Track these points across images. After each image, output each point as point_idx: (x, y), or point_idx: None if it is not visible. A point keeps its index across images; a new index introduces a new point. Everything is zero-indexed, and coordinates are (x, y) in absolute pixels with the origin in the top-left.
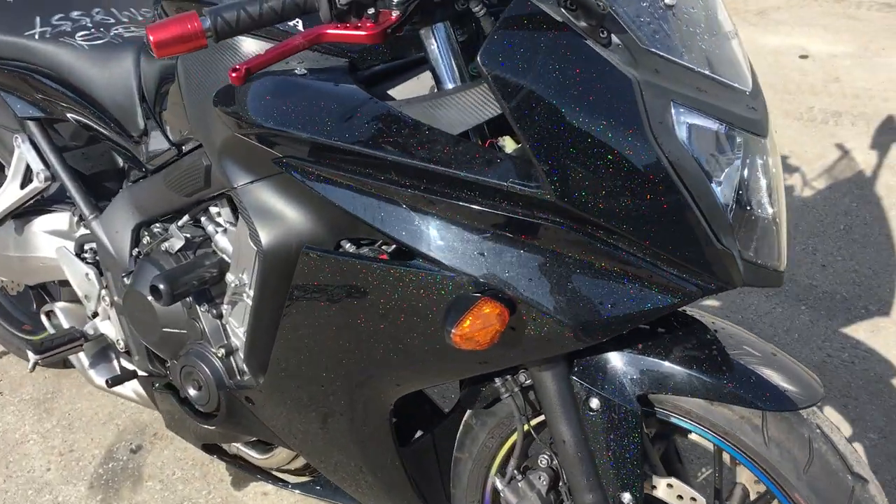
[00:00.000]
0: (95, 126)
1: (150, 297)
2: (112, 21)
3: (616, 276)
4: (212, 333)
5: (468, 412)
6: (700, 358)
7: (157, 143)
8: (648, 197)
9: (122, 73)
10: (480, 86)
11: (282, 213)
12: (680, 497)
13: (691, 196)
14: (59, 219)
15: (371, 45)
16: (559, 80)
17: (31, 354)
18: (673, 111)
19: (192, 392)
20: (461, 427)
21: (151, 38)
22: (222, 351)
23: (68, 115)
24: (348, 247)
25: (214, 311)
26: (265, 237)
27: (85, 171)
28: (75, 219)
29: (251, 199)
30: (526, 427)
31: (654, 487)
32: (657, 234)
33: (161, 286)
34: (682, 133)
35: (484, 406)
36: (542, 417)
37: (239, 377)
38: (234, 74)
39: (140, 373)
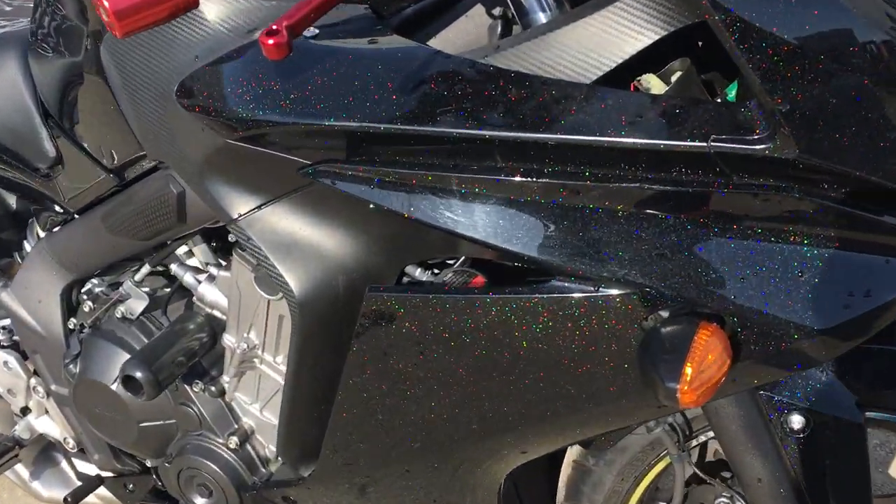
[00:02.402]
0: None
1: (119, 390)
2: None
3: (869, 248)
4: (214, 419)
5: (576, 450)
6: None
7: (79, 173)
8: None
9: (5, 85)
10: (611, 5)
11: (314, 244)
12: None
13: None
14: None
15: None
16: None
17: None
18: None
19: (200, 502)
20: (568, 470)
21: (108, 5)
22: (234, 441)
23: None
24: (421, 275)
25: (213, 389)
26: (295, 280)
27: None
28: None
29: (264, 231)
30: (687, 465)
31: None
32: None
33: (139, 375)
34: None
35: (610, 442)
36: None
37: (264, 469)
38: (271, 42)
39: (105, 475)
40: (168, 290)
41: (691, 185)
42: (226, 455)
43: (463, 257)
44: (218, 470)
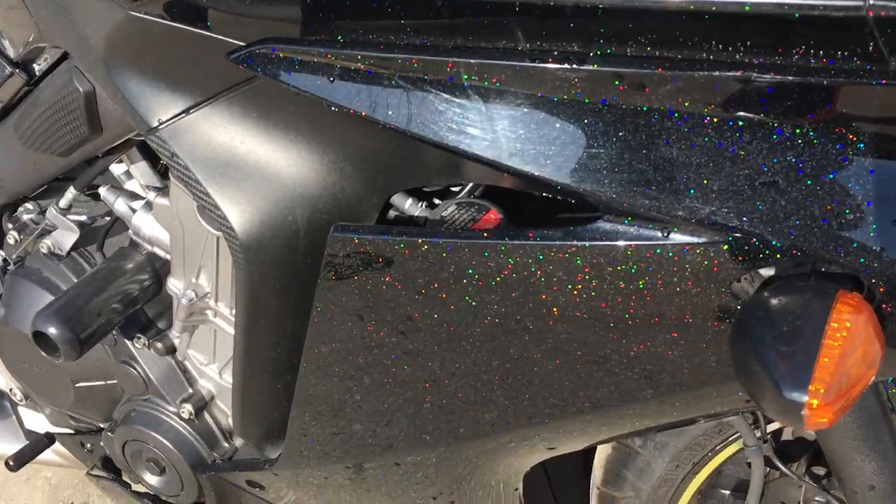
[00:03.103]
0: None
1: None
2: None
3: None
4: (163, 382)
5: None
6: None
7: None
8: None
9: None
10: None
11: (261, 164)
12: None
13: None
14: None
15: None
16: None
17: None
18: None
19: (149, 479)
20: (607, 450)
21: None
22: (187, 409)
23: None
24: (412, 209)
25: (160, 346)
26: (236, 213)
27: None
28: None
29: (193, 145)
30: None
31: None
32: None
33: (52, 332)
34: None
35: None
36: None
37: (226, 444)
38: None
39: (57, 431)
40: (108, 219)
41: (825, 72)
42: (178, 426)
43: (470, 185)
44: (168, 444)
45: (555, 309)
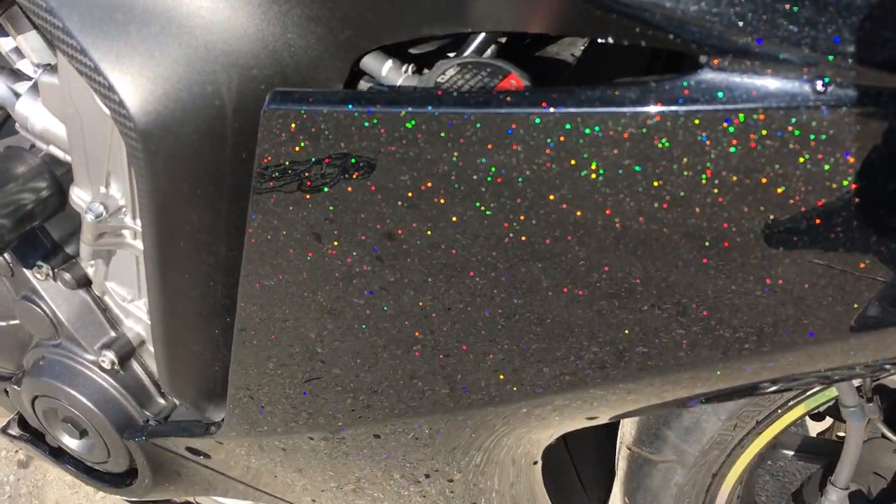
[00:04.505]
0: None
1: None
2: None
3: None
4: (75, 322)
5: None
6: None
7: None
8: None
9: None
10: None
11: (166, 8)
12: None
13: None
14: None
15: None
16: None
17: None
18: None
19: (69, 442)
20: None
21: None
22: (109, 357)
23: None
24: (394, 74)
25: (68, 276)
26: (129, 84)
27: None
28: None
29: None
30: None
31: None
32: None
33: None
34: None
35: None
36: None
37: (162, 401)
38: None
39: None
40: None
41: None
42: (97, 378)
43: (481, 37)
44: (86, 401)
45: (617, 220)
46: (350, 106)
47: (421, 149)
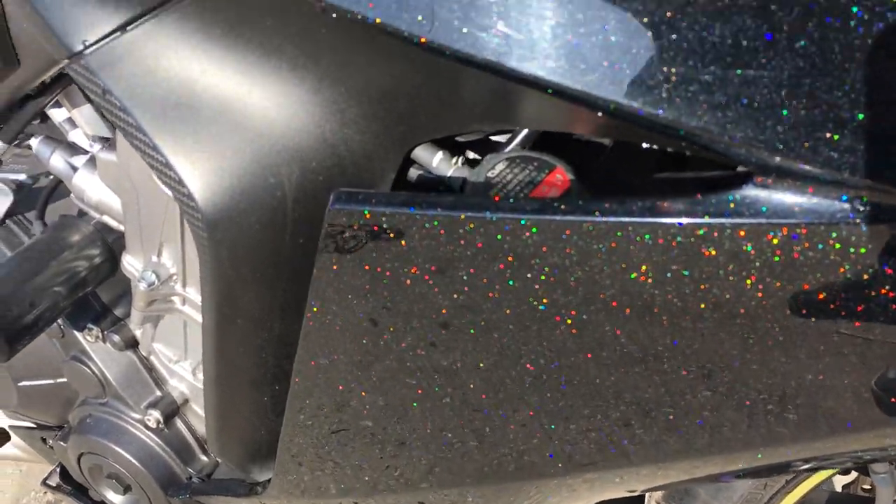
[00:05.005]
0: None
1: None
2: None
3: None
4: (123, 382)
5: None
6: None
7: None
8: None
9: None
10: None
11: (227, 105)
12: None
13: None
14: None
15: None
16: None
17: None
18: None
19: (112, 498)
20: None
21: None
22: (154, 416)
23: None
24: (444, 166)
25: (117, 338)
26: (196, 175)
27: None
28: None
29: (131, 77)
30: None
31: None
32: None
33: None
34: None
35: None
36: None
37: (205, 458)
38: None
39: (16, 424)
40: (52, 179)
41: None
42: (143, 437)
43: (523, 132)
44: (131, 459)
45: (664, 318)
46: (412, 209)
47: (478, 249)
